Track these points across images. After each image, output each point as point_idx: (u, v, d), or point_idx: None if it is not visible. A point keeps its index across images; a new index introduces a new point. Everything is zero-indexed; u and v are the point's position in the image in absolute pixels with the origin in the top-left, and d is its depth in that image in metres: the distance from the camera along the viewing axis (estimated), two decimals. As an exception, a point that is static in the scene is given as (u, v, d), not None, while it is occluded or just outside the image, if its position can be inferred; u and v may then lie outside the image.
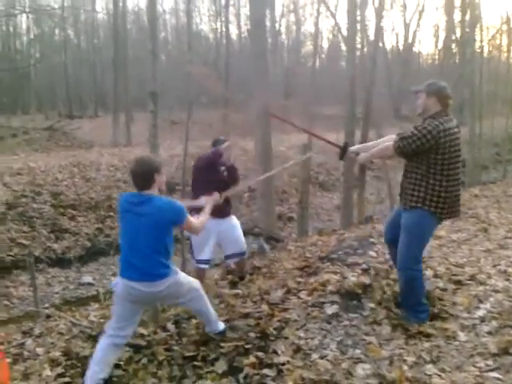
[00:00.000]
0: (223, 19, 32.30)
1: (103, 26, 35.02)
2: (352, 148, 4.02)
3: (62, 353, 3.39)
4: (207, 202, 3.61)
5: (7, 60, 30.10)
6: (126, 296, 2.94)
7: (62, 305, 6.15)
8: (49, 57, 30.64)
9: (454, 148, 3.37)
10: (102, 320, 3.91)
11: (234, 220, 4.76)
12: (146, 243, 2.90)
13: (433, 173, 3.34)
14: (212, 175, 4.51)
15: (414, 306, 3.57)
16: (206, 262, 4.56)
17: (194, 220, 3.15)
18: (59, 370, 3.17)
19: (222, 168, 4.68)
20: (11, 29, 32.19)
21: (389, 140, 3.72)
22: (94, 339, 3.52)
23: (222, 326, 3.46)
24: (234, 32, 36.22)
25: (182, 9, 34.34)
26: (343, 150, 3.95)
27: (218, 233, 4.53)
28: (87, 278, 7.90)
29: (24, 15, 31.06)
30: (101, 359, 2.91)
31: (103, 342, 2.97)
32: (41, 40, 32.89)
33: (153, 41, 3.82)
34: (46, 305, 6.29)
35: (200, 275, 4.46)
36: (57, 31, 33.49)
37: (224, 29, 31.94)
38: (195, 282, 3.28)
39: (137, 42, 30.99)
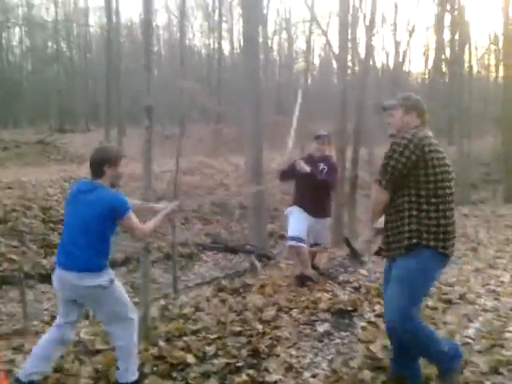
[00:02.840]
0: (216, 35, 32.63)
1: (96, 39, 35.17)
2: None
3: (53, 369, 3.37)
4: (165, 209, 3.35)
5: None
6: (59, 288, 2.92)
7: (51, 321, 6.09)
8: (41, 69, 30.65)
9: (443, 162, 2.73)
10: (92, 337, 3.89)
11: (328, 222, 5.16)
12: (84, 233, 2.83)
13: (425, 195, 2.66)
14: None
15: (435, 355, 2.75)
16: (297, 239, 4.74)
17: (137, 221, 2.95)
18: (50, 387, 3.15)
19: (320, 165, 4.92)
20: (3, 41, 32.26)
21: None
22: (84, 355, 3.50)
23: (134, 377, 3.03)
24: (226, 48, 36.53)
25: (175, 24, 34.64)
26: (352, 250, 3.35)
27: (313, 227, 4.89)
28: (76, 295, 7.83)
29: (17, 27, 31.17)
30: (44, 354, 2.95)
31: (52, 333, 2.98)
32: (33, 52, 32.91)
33: (147, 55, 3.83)
34: (35, 322, 6.22)
35: (292, 253, 4.96)
36: (49, 44, 33.60)
37: (217, 44, 32.26)
38: (132, 311, 3.05)
39: (130, 56, 31.11)
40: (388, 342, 3.39)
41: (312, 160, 4.96)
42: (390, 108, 3.08)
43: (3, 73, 30.41)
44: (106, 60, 22.09)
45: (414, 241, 2.66)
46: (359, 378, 2.99)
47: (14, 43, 33.59)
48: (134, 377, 3.02)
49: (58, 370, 3.28)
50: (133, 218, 2.92)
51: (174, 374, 3.21)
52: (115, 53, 22.47)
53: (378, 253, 3.23)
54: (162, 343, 3.64)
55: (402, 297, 2.67)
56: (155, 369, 3.27)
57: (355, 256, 2.94)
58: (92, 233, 2.84)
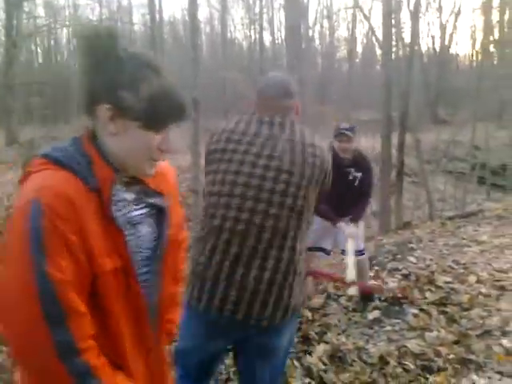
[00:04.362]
0: (257, 27, 32.67)
1: (140, 37, 35.81)
2: None
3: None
4: None
5: (49, 72, 31.12)
6: None
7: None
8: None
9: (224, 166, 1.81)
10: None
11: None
12: None
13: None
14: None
15: None
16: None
17: None
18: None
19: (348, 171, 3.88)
20: (52, 42, 33.38)
21: None
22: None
23: None
24: (267, 39, 36.49)
25: (217, 17, 34.86)
26: None
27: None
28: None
29: (64, 28, 32.12)
30: None
31: None
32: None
33: (194, 50, 3.98)
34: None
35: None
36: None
37: (257, 35, 32.34)
38: None
39: (173, 52, 31.53)
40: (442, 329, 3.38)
41: (342, 165, 3.74)
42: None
43: (53, 73, 31.41)
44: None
45: None
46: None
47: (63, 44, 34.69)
48: None
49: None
50: None
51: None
52: (159, 49, 22.83)
53: None
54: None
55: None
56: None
57: None
58: None
